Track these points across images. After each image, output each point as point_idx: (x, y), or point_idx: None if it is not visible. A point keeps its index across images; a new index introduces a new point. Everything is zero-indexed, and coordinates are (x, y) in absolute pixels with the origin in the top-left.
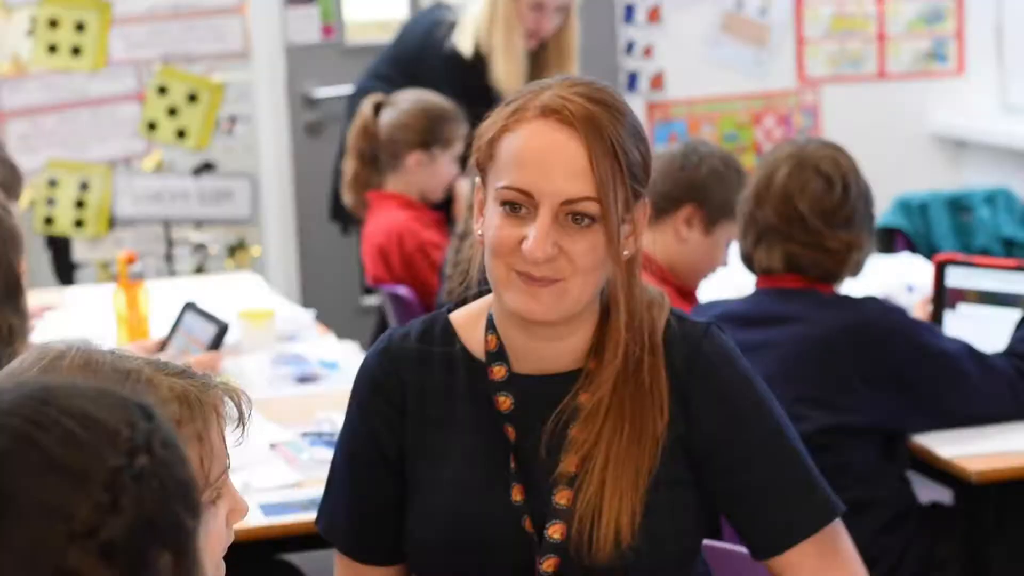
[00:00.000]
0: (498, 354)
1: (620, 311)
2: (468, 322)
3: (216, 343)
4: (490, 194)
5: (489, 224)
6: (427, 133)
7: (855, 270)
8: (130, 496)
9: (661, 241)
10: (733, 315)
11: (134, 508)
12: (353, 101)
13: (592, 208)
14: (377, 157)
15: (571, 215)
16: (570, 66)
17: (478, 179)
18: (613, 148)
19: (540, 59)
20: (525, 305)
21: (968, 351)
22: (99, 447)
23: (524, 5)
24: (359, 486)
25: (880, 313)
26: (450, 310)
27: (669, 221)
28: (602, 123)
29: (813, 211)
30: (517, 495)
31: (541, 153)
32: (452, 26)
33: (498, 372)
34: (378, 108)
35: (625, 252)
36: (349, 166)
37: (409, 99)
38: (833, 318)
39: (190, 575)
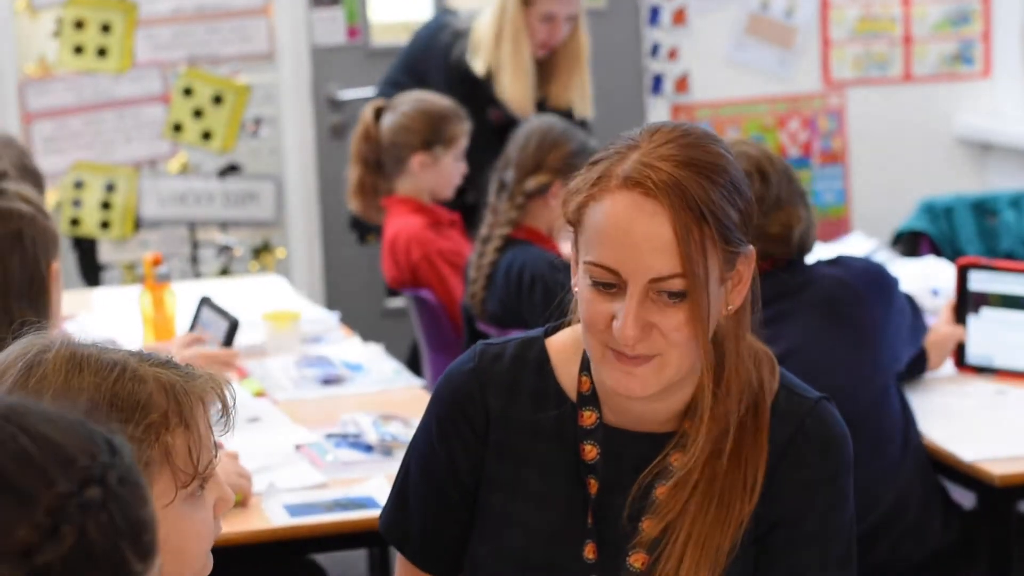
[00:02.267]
0: (590, 399)
1: (724, 372)
2: (564, 353)
3: (229, 339)
4: (580, 260)
5: (581, 295)
6: (428, 134)
7: (808, 242)
8: (73, 525)
9: None
10: None
11: (75, 537)
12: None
13: (682, 284)
14: (382, 162)
15: (661, 291)
16: (580, 73)
17: (573, 233)
18: (703, 216)
19: (549, 66)
20: (621, 383)
21: (907, 313)
22: (50, 471)
23: (535, 18)
24: (433, 503)
25: (856, 263)
26: (548, 332)
27: None
28: (690, 191)
29: None
30: (590, 553)
31: (626, 230)
32: (456, 33)
33: (588, 418)
34: (379, 113)
35: (730, 307)
36: (353, 173)
37: (408, 101)
38: (822, 278)
39: None
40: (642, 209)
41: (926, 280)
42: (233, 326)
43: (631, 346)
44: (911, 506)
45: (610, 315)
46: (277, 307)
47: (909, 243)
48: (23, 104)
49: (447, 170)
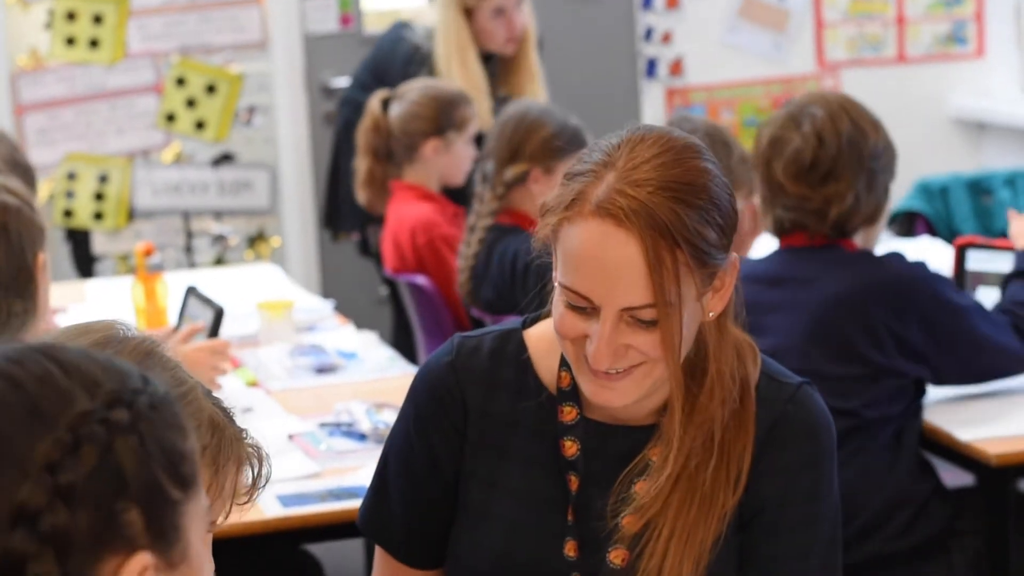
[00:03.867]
0: (571, 394)
1: (706, 375)
2: (543, 345)
3: (215, 328)
4: (557, 277)
5: (556, 309)
6: (440, 119)
7: (846, 225)
8: (97, 443)
9: None
10: (756, 275)
11: (100, 457)
12: (342, 110)
13: (654, 314)
14: (392, 151)
15: (634, 317)
16: (530, 57)
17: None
18: (676, 243)
19: (504, 62)
20: (599, 395)
21: (977, 308)
22: (73, 391)
23: (485, 21)
24: (413, 496)
25: (904, 266)
26: (525, 324)
27: None
28: (663, 219)
29: (787, 173)
30: (571, 551)
31: (598, 259)
32: (415, 47)
33: (568, 414)
34: (386, 103)
35: (711, 313)
36: (362, 164)
37: (416, 89)
38: (857, 275)
39: (166, 543)
40: (614, 238)
41: (921, 260)
42: (218, 315)
43: (605, 368)
44: (903, 509)
45: (584, 333)
46: (271, 296)
47: (905, 223)
48: (15, 96)
49: (459, 154)
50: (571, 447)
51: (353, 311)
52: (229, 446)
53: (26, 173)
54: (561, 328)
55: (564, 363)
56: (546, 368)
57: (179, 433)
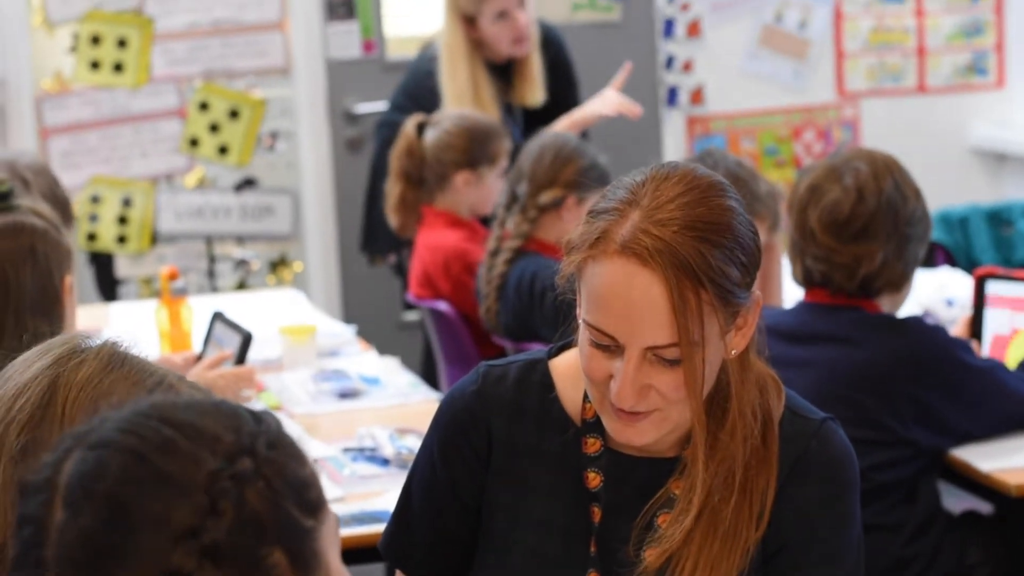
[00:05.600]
0: (594, 426)
1: (728, 413)
2: (568, 376)
3: (242, 354)
4: (581, 314)
5: (581, 347)
6: (473, 152)
7: (872, 287)
8: (231, 498)
9: None
10: (779, 329)
11: (236, 510)
12: (379, 132)
13: (677, 353)
14: (424, 178)
15: (657, 356)
16: (535, 62)
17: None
18: (700, 283)
19: (511, 70)
20: (621, 433)
21: (999, 365)
22: (198, 453)
23: (488, 25)
24: (435, 524)
25: (925, 337)
26: (551, 353)
27: None
28: (688, 258)
29: (821, 223)
30: None
31: (623, 299)
32: (433, 59)
33: (592, 445)
34: (421, 128)
35: (733, 351)
36: (394, 188)
37: (452, 118)
38: (878, 343)
39: (309, 570)
40: (639, 278)
41: (941, 290)
42: (246, 340)
43: (629, 407)
44: (917, 561)
45: (608, 373)
46: (293, 321)
47: (924, 253)
48: (40, 119)
49: (489, 187)
50: (594, 479)
51: (375, 336)
52: None
53: (64, 208)
54: (588, 370)
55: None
56: (571, 399)
57: (298, 461)
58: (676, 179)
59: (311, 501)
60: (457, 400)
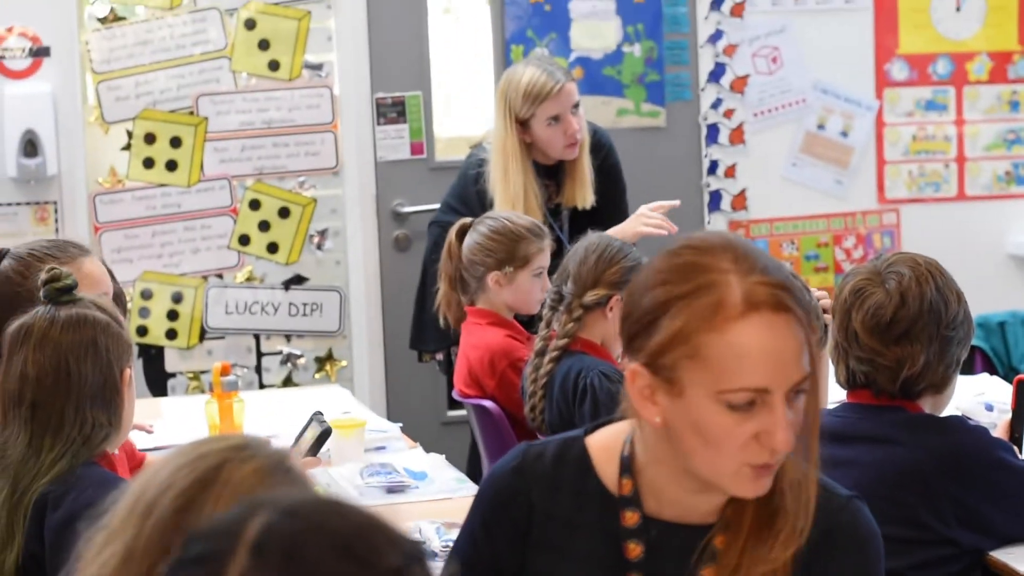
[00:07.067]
0: (632, 500)
1: (802, 491)
2: (605, 452)
3: (317, 447)
4: (704, 392)
5: (709, 423)
6: (502, 253)
7: (912, 389)
8: None
9: None
10: (821, 429)
11: None
12: (431, 231)
13: (807, 381)
14: (464, 279)
15: (791, 392)
16: (585, 165)
17: (635, 365)
18: (808, 314)
19: (560, 172)
20: (753, 492)
21: None
22: (383, 546)
23: (541, 128)
24: None
25: (967, 437)
26: (587, 431)
27: None
28: (796, 295)
29: (864, 325)
30: None
31: (773, 348)
32: (482, 161)
33: (631, 519)
34: (463, 232)
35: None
36: (441, 290)
37: (487, 220)
38: (921, 443)
39: None
40: (779, 324)
41: (980, 396)
42: (324, 434)
43: (788, 449)
44: None
45: (750, 433)
46: (340, 416)
47: (964, 359)
48: (93, 214)
49: (523, 288)
50: (635, 549)
51: (419, 434)
52: None
53: (120, 302)
54: (730, 438)
55: (625, 470)
56: (608, 472)
57: None
58: (737, 245)
59: None
60: (498, 477)
